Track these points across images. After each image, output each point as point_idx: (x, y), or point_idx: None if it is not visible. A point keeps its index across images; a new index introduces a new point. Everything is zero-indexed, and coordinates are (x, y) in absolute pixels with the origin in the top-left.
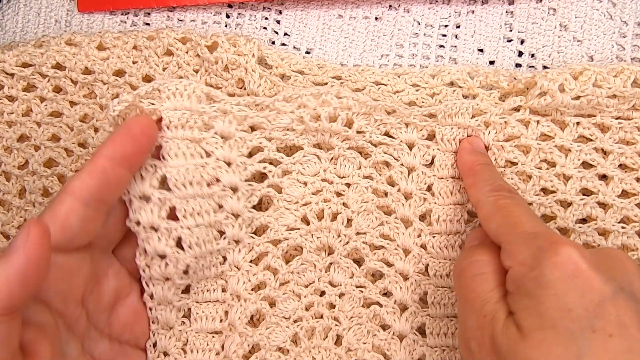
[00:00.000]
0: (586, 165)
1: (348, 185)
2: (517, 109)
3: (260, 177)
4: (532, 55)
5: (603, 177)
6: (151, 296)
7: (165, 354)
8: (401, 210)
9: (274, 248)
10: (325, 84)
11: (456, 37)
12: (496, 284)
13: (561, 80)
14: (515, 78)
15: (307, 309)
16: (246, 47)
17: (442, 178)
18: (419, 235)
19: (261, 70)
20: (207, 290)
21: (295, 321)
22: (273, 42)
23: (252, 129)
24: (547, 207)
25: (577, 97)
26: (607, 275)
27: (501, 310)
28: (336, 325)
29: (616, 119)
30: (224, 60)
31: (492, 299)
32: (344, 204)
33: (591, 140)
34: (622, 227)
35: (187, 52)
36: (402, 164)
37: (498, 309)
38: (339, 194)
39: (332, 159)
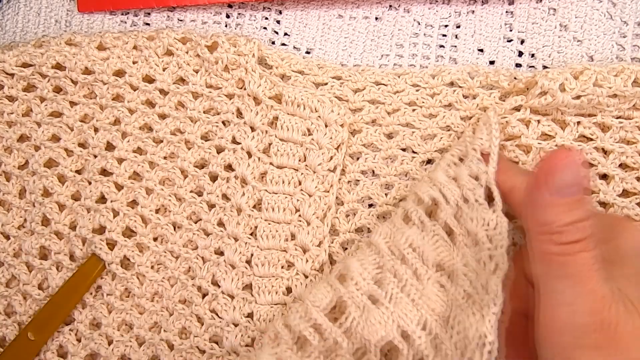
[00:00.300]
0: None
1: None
2: (517, 109)
3: None
4: (532, 55)
5: (604, 177)
6: None
7: None
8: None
9: None
10: (326, 84)
11: (456, 37)
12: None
13: (562, 80)
14: (515, 78)
15: None
16: (246, 47)
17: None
18: None
19: (261, 70)
20: None
21: None
22: (273, 42)
23: None
24: None
25: (578, 97)
26: None
27: (613, 288)
28: None
29: (617, 118)
30: (224, 61)
31: (599, 276)
32: None
33: (592, 139)
34: None
35: (187, 52)
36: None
37: (610, 288)
38: None
39: None
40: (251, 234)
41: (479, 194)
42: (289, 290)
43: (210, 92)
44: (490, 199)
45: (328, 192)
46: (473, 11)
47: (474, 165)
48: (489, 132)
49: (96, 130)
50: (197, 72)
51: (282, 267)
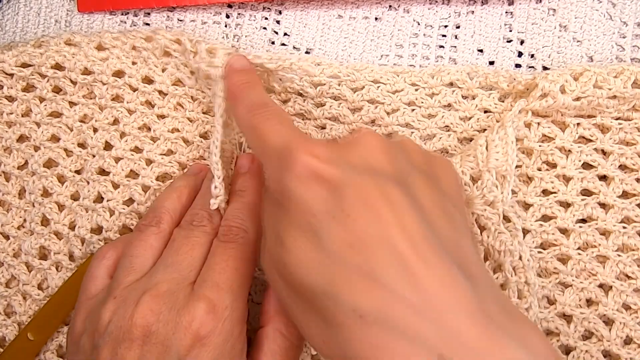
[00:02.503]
0: (586, 165)
1: None
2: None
3: None
4: (532, 56)
5: (603, 178)
6: None
7: None
8: None
9: None
10: (324, 84)
11: (456, 38)
12: None
13: (562, 82)
14: (514, 79)
15: None
16: (220, 60)
17: None
18: None
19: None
20: None
21: None
22: (273, 42)
23: None
24: (547, 208)
25: (578, 99)
26: (343, 161)
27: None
28: None
29: (616, 119)
30: (201, 70)
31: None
32: None
33: (591, 141)
34: (624, 227)
35: (182, 54)
36: None
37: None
38: None
39: None
40: None
41: (496, 221)
42: None
43: (205, 96)
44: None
45: None
46: (473, 11)
47: (487, 191)
48: (505, 152)
49: (95, 130)
50: (193, 75)
51: None
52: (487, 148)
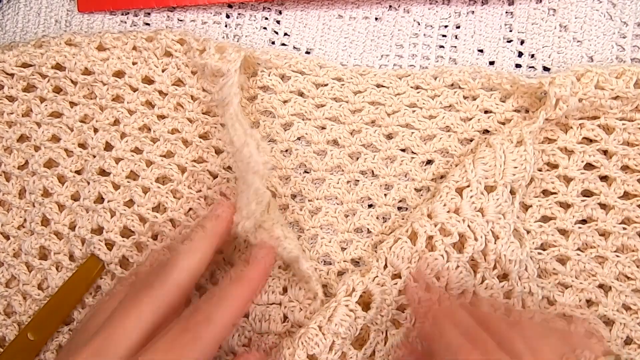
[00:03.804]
0: (588, 166)
1: None
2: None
3: None
4: (532, 56)
5: (604, 178)
6: None
7: None
8: None
9: None
10: (326, 85)
11: (456, 38)
12: None
13: (569, 84)
14: (517, 82)
15: None
16: (232, 56)
17: None
18: None
19: (243, 81)
20: None
21: None
22: (273, 42)
23: None
24: (547, 209)
25: (580, 100)
26: None
27: None
28: None
29: (620, 120)
30: (209, 67)
31: None
32: None
33: (596, 141)
34: (624, 228)
35: (185, 54)
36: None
37: None
38: None
39: None
40: None
41: (508, 232)
42: (285, 289)
43: (205, 96)
44: None
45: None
46: (473, 12)
47: (502, 200)
48: (522, 169)
49: (96, 130)
50: (194, 74)
51: (279, 267)
52: (504, 162)
